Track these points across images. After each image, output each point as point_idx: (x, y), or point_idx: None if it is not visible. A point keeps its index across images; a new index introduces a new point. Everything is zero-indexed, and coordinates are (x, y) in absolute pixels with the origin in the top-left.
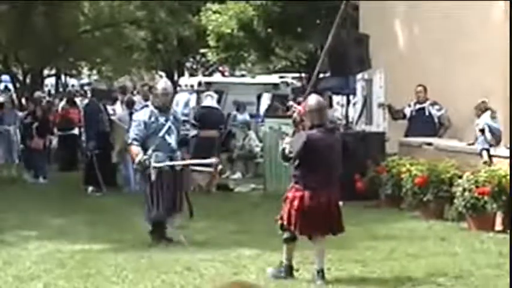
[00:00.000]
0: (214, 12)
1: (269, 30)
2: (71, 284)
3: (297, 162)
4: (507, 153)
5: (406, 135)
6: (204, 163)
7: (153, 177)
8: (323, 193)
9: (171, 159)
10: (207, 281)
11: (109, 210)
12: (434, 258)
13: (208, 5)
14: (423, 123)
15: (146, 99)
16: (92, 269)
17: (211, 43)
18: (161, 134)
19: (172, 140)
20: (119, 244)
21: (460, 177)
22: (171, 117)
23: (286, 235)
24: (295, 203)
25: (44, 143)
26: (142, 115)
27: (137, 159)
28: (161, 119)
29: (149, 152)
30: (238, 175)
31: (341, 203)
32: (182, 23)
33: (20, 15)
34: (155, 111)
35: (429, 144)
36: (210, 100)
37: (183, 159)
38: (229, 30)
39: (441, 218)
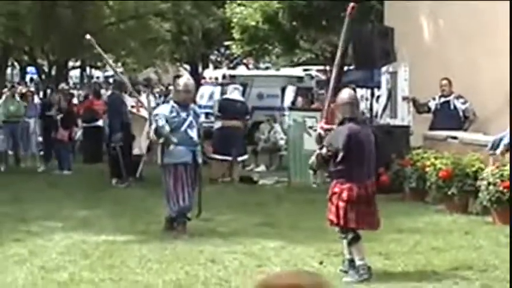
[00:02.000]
0: (239, 4)
1: (294, 23)
2: (95, 275)
3: (341, 156)
4: None
5: (431, 129)
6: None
7: (172, 145)
8: (367, 185)
9: (194, 153)
10: (230, 273)
11: (133, 201)
12: (459, 251)
13: None
14: (448, 117)
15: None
16: (117, 260)
17: (236, 36)
18: (183, 128)
19: (194, 134)
20: (143, 235)
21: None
22: (192, 112)
23: (350, 236)
24: (344, 194)
25: (69, 134)
26: (163, 110)
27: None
28: (183, 114)
29: (172, 147)
30: (262, 168)
31: None
32: (207, 16)
33: (45, 7)
34: (176, 106)
35: (454, 137)
36: (236, 93)
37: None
38: (253, 23)
39: (466, 212)
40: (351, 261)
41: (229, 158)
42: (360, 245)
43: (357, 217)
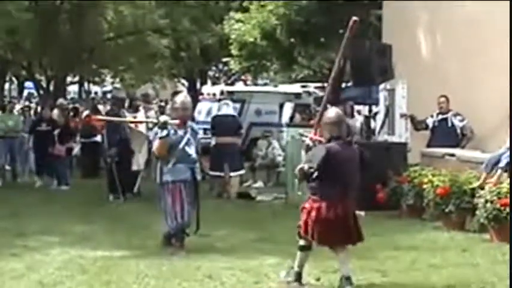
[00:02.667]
0: (237, 21)
1: (292, 39)
2: None
3: (316, 174)
4: None
5: (429, 146)
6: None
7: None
8: (340, 205)
9: (193, 171)
10: None
11: (130, 217)
12: (456, 269)
13: (231, 13)
14: (446, 134)
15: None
16: (114, 276)
17: (234, 52)
18: (181, 145)
19: (192, 151)
20: (140, 251)
21: (482, 188)
22: (189, 130)
23: (302, 242)
24: (313, 213)
25: (66, 149)
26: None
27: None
28: (180, 132)
29: (170, 165)
30: (260, 184)
31: (362, 213)
32: (205, 32)
33: (43, 23)
34: None
35: (452, 155)
36: (225, 108)
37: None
38: (252, 39)
39: (463, 229)
40: (348, 278)
41: (222, 174)
42: (306, 255)
43: (320, 236)
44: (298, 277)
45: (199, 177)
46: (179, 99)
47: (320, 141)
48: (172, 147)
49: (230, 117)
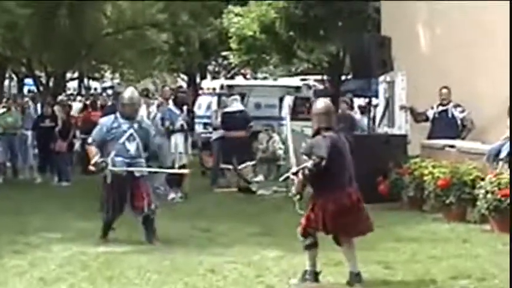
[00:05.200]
0: (236, 14)
1: (291, 32)
2: (94, 286)
3: (323, 165)
4: None
5: (429, 138)
6: (173, 172)
7: (108, 179)
8: (352, 191)
9: (129, 165)
10: (229, 284)
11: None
12: (457, 260)
13: (230, 7)
14: (446, 126)
15: (166, 100)
16: (116, 271)
17: (233, 46)
18: (121, 140)
19: (131, 146)
20: (142, 246)
21: (483, 179)
22: (135, 125)
23: (308, 241)
24: (329, 206)
25: (67, 145)
26: (106, 120)
27: (93, 160)
28: (124, 126)
29: (110, 156)
30: (260, 178)
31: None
32: (204, 26)
33: (43, 18)
34: (120, 118)
35: (452, 146)
36: (235, 104)
37: (160, 166)
38: (251, 33)
39: (464, 220)
40: (357, 274)
41: (230, 167)
42: (315, 252)
43: (346, 227)
44: (316, 276)
45: (137, 173)
46: (126, 94)
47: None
48: (112, 140)
49: (238, 113)
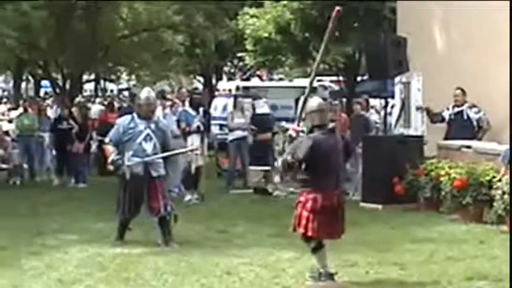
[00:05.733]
0: (252, 16)
1: (306, 33)
2: (111, 287)
3: (304, 166)
4: None
5: (446, 139)
6: (183, 151)
7: (127, 175)
8: (334, 194)
9: (146, 166)
10: (246, 285)
11: (148, 214)
12: (474, 261)
13: (246, 9)
14: (462, 127)
15: (182, 101)
16: (132, 273)
17: (249, 47)
18: (138, 140)
19: (148, 147)
20: (158, 248)
21: (499, 180)
22: (152, 125)
23: (313, 244)
24: (308, 204)
25: (84, 147)
26: (123, 120)
27: (110, 158)
28: (141, 126)
29: (128, 155)
30: (277, 179)
31: (379, 206)
32: (219, 28)
33: (59, 21)
34: (136, 118)
35: (468, 147)
36: (266, 107)
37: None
38: (266, 34)
39: (481, 221)
40: (331, 274)
41: (268, 168)
42: (322, 253)
43: (318, 227)
44: (331, 276)
45: (155, 173)
46: (143, 95)
47: (303, 131)
48: (129, 140)
49: (266, 116)
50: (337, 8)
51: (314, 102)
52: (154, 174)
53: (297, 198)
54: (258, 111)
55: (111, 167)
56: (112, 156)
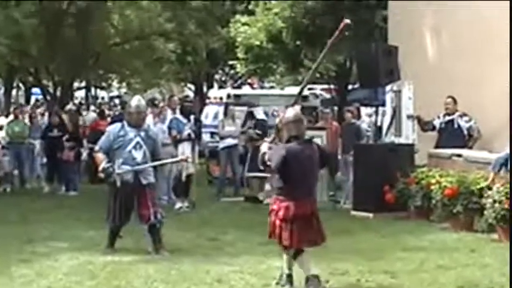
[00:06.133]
0: (243, 24)
1: (298, 42)
2: None
3: (278, 174)
4: None
5: (436, 147)
6: (174, 161)
7: (118, 183)
8: (307, 203)
9: (136, 174)
10: None
11: (138, 222)
12: (465, 270)
13: (237, 17)
14: (453, 135)
15: (173, 109)
16: (123, 281)
17: (240, 55)
18: (128, 148)
19: (138, 155)
20: (149, 255)
21: (490, 188)
22: (142, 133)
23: (292, 250)
24: (280, 213)
25: (74, 155)
26: (113, 128)
27: (101, 166)
28: (131, 134)
29: (116, 165)
30: (267, 187)
31: (370, 214)
32: (211, 35)
33: (49, 29)
34: (127, 126)
35: (459, 155)
36: (262, 114)
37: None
38: (258, 42)
39: (472, 230)
40: (289, 276)
41: (259, 174)
42: (304, 258)
43: (291, 236)
44: (290, 279)
45: (144, 181)
46: (133, 103)
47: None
48: (119, 148)
49: (265, 122)
50: (346, 20)
51: (290, 113)
52: (144, 182)
53: (271, 206)
54: (258, 117)
55: (102, 175)
56: (103, 164)
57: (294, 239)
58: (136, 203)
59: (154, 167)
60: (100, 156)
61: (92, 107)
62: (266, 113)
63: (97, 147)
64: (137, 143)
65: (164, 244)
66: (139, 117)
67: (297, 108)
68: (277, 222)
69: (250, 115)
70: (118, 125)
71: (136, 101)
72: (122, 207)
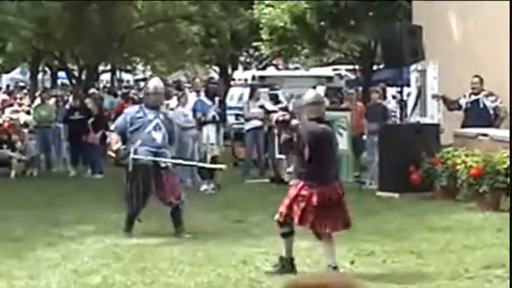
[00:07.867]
0: (267, 5)
1: (322, 23)
2: (127, 278)
3: (307, 158)
4: None
5: (463, 127)
6: (206, 166)
7: (130, 167)
8: (336, 185)
9: (155, 155)
10: (262, 275)
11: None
12: (491, 249)
13: None
14: (479, 115)
15: (197, 92)
16: (149, 263)
17: (264, 37)
18: (148, 129)
19: (158, 136)
20: (174, 238)
21: None
22: (161, 115)
23: (284, 230)
24: (314, 199)
25: (99, 138)
26: (130, 109)
27: (114, 147)
28: (150, 116)
29: (136, 145)
30: (290, 169)
31: (396, 195)
32: (235, 17)
33: (74, 12)
34: (145, 108)
35: (485, 135)
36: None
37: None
38: (282, 24)
39: (498, 209)
40: (335, 268)
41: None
42: (290, 240)
43: (326, 220)
44: (291, 262)
45: (163, 164)
46: (151, 84)
47: (283, 121)
48: (138, 129)
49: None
50: None
51: (310, 95)
52: (163, 164)
53: (297, 190)
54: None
55: (113, 155)
56: (118, 145)
57: (328, 224)
58: (155, 186)
59: (176, 150)
60: (114, 136)
61: (119, 92)
62: (291, 95)
63: (112, 127)
64: (157, 124)
65: (185, 226)
66: (157, 99)
67: (319, 89)
68: (310, 209)
69: (274, 98)
70: (135, 106)
71: (155, 82)
72: (139, 192)
